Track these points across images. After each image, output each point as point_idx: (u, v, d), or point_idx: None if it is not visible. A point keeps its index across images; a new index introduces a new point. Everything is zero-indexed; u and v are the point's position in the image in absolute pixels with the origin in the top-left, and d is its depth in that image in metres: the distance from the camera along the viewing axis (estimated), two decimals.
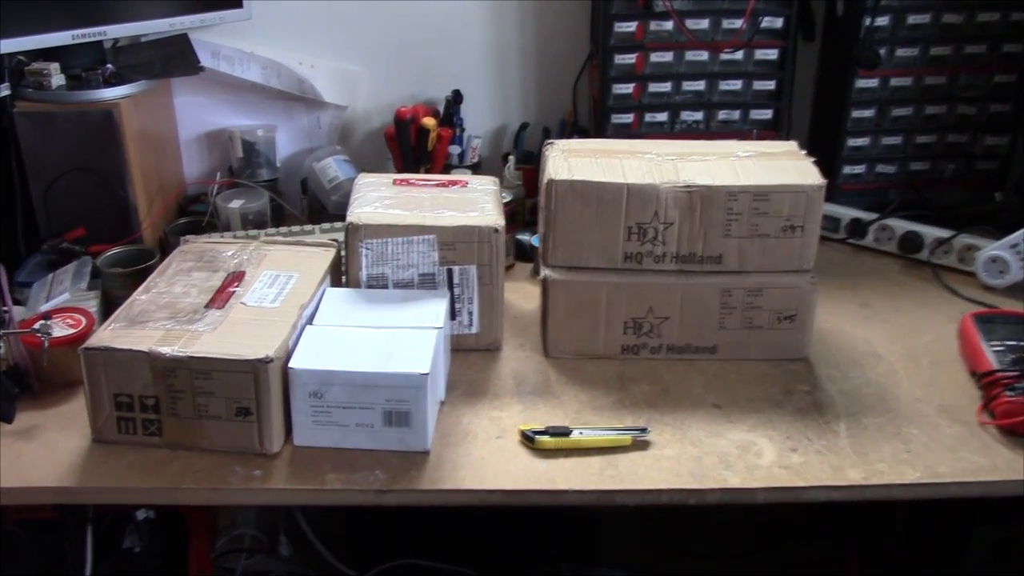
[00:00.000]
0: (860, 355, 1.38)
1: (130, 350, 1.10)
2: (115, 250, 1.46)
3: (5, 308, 1.22)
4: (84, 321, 1.26)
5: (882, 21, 1.64)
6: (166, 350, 1.10)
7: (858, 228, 1.68)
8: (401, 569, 1.88)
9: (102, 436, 1.14)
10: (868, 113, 1.70)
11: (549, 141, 1.41)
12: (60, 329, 1.24)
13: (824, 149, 1.74)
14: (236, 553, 1.94)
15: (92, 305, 1.34)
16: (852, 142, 1.72)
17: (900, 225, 1.65)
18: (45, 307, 1.30)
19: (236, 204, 1.62)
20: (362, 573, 1.89)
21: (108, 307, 1.36)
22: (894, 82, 1.69)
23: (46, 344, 1.19)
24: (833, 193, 1.74)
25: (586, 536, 1.97)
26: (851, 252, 1.69)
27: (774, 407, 1.26)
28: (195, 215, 1.67)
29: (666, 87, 1.66)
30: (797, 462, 1.15)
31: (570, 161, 1.32)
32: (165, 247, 1.59)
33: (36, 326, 1.20)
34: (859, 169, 1.75)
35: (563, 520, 1.87)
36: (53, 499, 1.09)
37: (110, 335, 1.13)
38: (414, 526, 1.87)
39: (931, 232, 1.62)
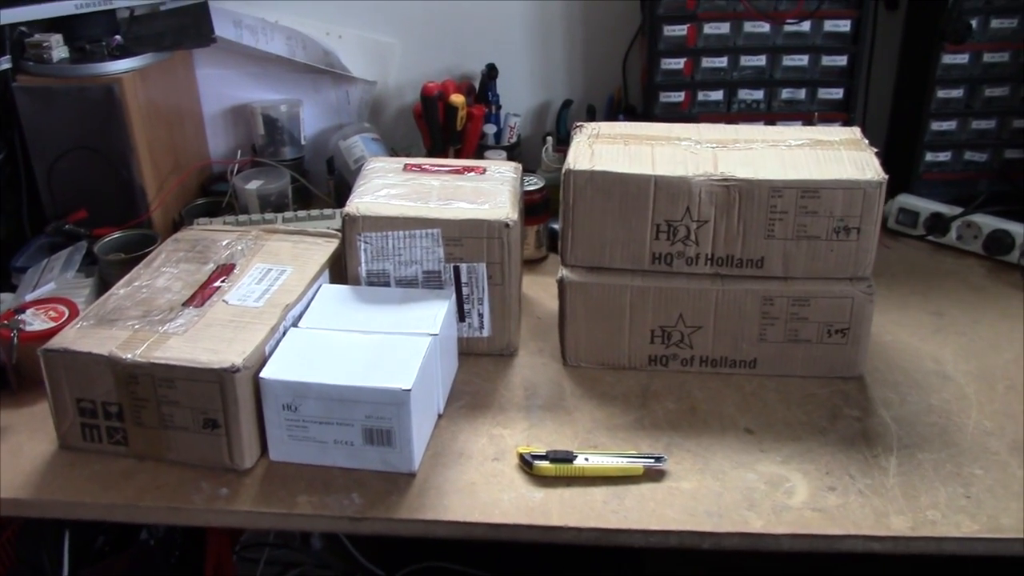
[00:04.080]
0: (924, 375, 1.21)
1: (90, 353, 1.01)
2: (115, 235, 1.38)
3: None
4: (67, 314, 1.19)
5: None
6: (127, 355, 1.01)
7: (939, 224, 1.49)
8: (431, 571, 1.79)
9: (67, 443, 1.07)
10: (956, 93, 1.50)
11: (578, 124, 1.27)
12: (41, 322, 1.17)
13: (905, 133, 1.55)
14: (263, 545, 1.87)
15: (83, 295, 1.26)
16: (936, 126, 1.52)
17: (988, 222, 1.45)
18: (30, 296, 1.23)
19: (254, 185, 1.53)
20: (391, 573, 1.80)
21: None
22: (987, 58, 1.48)
23: (15, 340, 1.11)
24: (913, 183, 1.55)
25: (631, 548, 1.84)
26: (929, 251, 1.50)
27: (815, 435, 1.10)
28: (215, 196, 1.58)
29: (722, 62, 1.49)
30: (833, 504, 1.00)
31: (594, 148, 1.18)
32: (180, 230, 1.51)
33: (8, 320, 1.13)
34: (944, 156, 1.54)
35: None
36: (5, 512, 1.01)
37: (74, 335, 1.04)
38: None
39: None
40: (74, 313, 1.19)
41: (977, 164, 1.55)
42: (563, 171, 1.15)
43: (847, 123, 1.51)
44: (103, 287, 1.31)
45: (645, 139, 1.21)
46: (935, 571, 1.53)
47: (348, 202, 1.19)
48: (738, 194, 1.12)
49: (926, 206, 1.50)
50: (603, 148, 1.18)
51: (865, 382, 1.19)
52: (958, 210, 1.48)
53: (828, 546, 0.97)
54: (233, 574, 1.74)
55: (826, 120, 1.50)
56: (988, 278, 1.43)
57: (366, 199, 1.20)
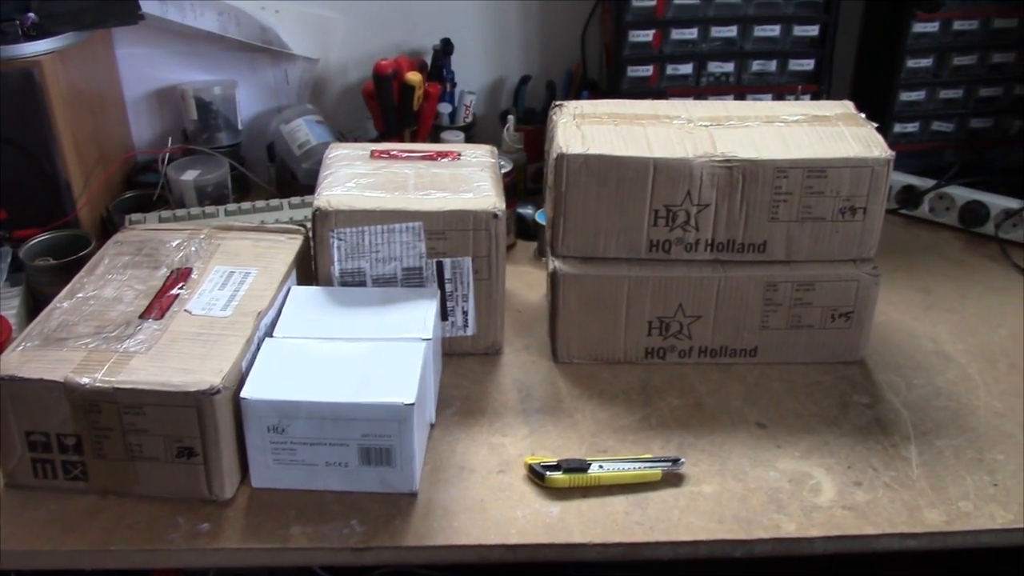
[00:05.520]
0: (925, 356, 1.17)
1: (41, 380, 0.88)
2: (42, 236, 1.23)
3: None
4: None
5: None
6: (85, 380, 0.88)
7: (911, 197, 1.46)
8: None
9: (16, 480, 0.93)
10: (925, 62, 1.47)
11: (557, 103, 1.18)
12: None
13: (871, 104, 1.51)
14: None
15: (12, 307, 1.12)
16: (905, 96, 1.49)
17: (961, 194, 1.43)
18: None
19: (191, 175, 1.39)
20: None
21: (36, 308, 1.15)
22: (957, 26, 1.44)
23: None
24: None
25: None
26: (903, 225, 1.47)
27: (829, 426, 1.05)
28: (144, 188, 1.44)
29: (692, 34, 1.42)
30: (863, 500, 0.95)
31: (584, 129, 1.10)
32: (109, 227, 1.36)
33: None
34: (912, 127, 1.51)
35: None
36: None
37: (18, 359, 0.91)
38: None
39: (997, 202, 1.40)
40: (6, 329, 1.06)
41: (944, 134, 1.52)
42: (554, 156, 1.07)
43: (817, 95, 1.46)
44: (33, 298, 1.17)
45: (634, 119, 1.13)
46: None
47: (316, 195, 1.08)
48: (741, 175, 1.05)
49: (898, 179, 1.47)
50: (592, 129, 1.10)
51: (868, 366, 1.15)
52: (930, 182, 1.45)
53: (863, 546, 0.92)
54: None
55: (795, 93, 1.45)
56: (966, 251, 1.40)
57: (337, 191, 1.08)
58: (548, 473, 0.95)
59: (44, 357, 0.91)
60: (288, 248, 1.12)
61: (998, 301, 1.28)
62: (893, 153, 1.06)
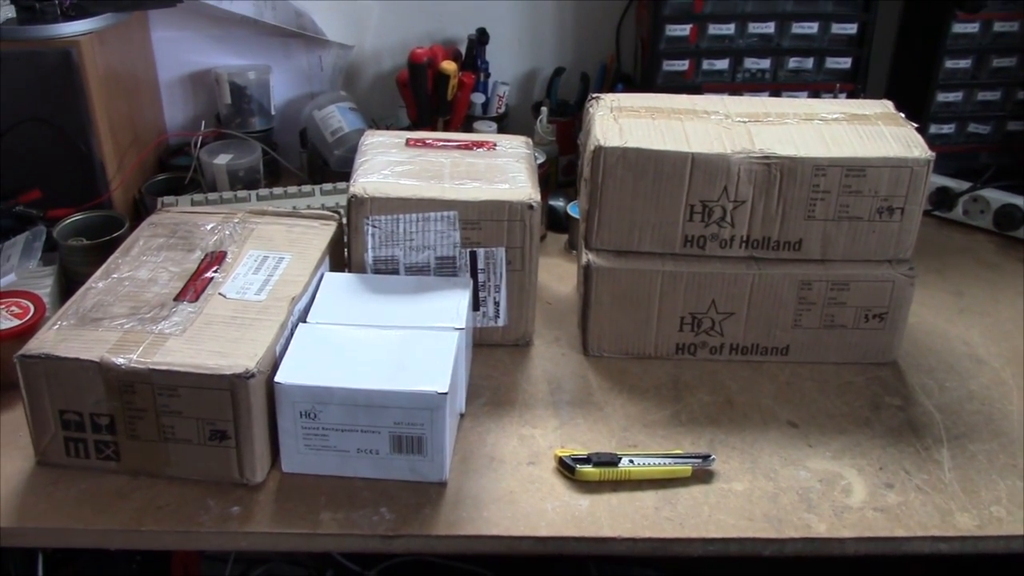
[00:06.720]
0: (957, 359, 1.16)
1: (77, 359, 0.88)
2: (76, 217, 1.23)
3: None
4: (32, 310, 1.05)
5: None
6: (121, 360, 0.88)
7: (946, 199, 1.44)
8: (410, 566, 1.70)
9: (48, 459, 0.94)
10: (964, 63, 1.45)
11: (594, 95, 1.17)
12: (5, 320, 1.03)
13: (907, 105, 1.49)
14: None
15: (46, 287, 1.12)
16: (942, 97, 1.47)
17: (995, 196, 1.41)
18: None
19: (223, 159, 1.39)
20: (367, 569, 1.70)
21: (68, 288, 1.15)
22: (997, 27, 1.43)
23: None
24: None
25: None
26: (936, 227, 1.46)
27: (861, 427, 1.04)
28: (176, 171, 1.44)
29: (729, 29, 1.41)
30: (894, 502, 0.94)
31: (621, 122, 1.09)
32: (140, 209, 1.37)
33: None
34: (948, 129, 1.50)
35: None
36: None
37: (55, 338, 0.91)
38: None
39: None
40: (40, 308, 1.06)
41: (980, 136, 1.51)
42: (591, 148, 1.06)
43: (853, 94, 1.45)
44: (65, 277, 1.18)
45: (672, 113, 1.12)
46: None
47: (352, 182, 1.08)
48: (779, 172, 1.04)
49: (932, 180, 1.44)
50: (630, 123, 1.09)
51: (900, 368, 1.14)
52: (965, 184, 1.44)
53: (894, 548, 0.92)
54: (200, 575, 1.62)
55: (833, 91, 1.44)
56: (1000, 254, 1.39)
57: (372, 178, 1.08)
58: (578, 466, 0.95)
59: (80, 336, 0.92)
60: (322, 234, 1.12)
61: None
62: (933, 154, 1.05)
